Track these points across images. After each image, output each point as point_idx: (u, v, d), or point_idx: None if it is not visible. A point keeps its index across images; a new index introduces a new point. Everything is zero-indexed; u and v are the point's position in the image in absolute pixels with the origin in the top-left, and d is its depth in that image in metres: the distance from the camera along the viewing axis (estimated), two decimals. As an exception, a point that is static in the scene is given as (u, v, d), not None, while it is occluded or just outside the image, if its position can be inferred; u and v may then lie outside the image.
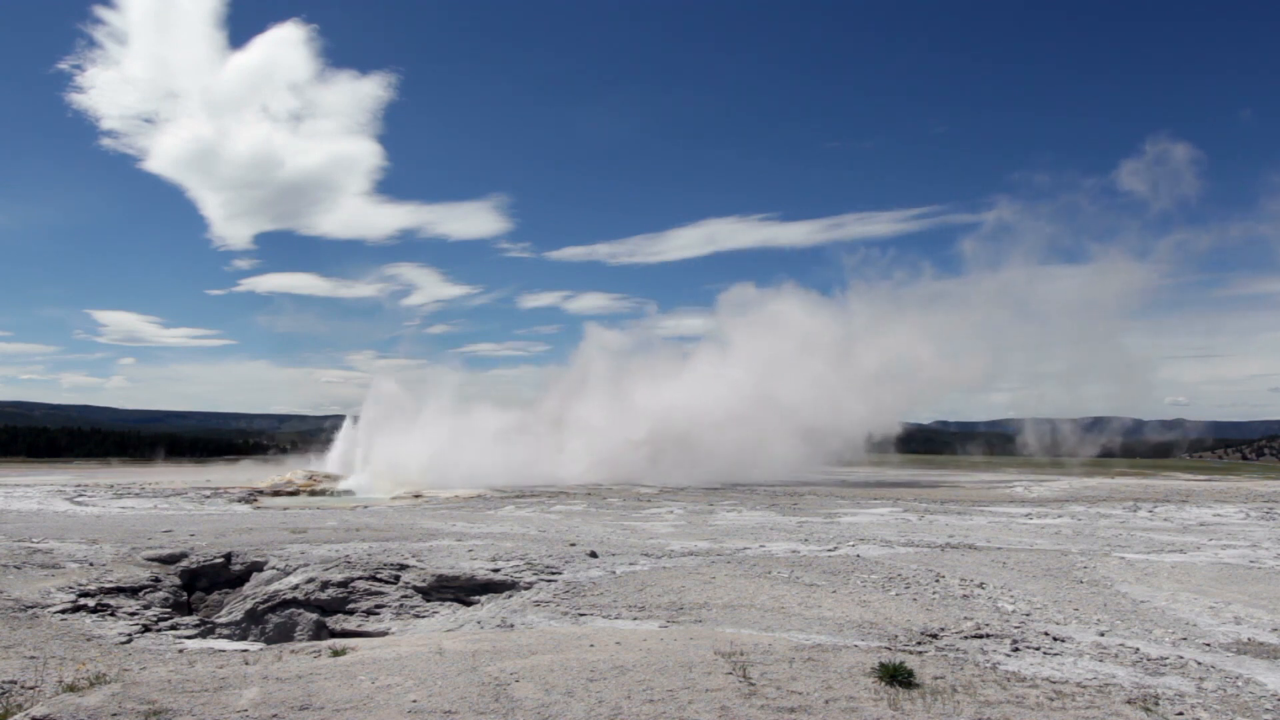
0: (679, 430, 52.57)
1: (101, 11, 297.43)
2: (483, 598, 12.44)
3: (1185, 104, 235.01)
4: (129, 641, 9.68)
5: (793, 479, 49.27)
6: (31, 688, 6.49)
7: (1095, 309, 77.55)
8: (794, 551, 16.79)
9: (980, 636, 9.39)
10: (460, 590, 12.79)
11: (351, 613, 12.24)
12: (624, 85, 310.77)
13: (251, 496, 34.96)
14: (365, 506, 30.18)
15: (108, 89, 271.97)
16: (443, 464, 44.12)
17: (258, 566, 14.56)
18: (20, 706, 5.70)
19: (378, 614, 12.12)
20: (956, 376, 67.98)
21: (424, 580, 13.02)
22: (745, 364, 59.40)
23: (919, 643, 9.01)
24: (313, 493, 39.73)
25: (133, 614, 11.26)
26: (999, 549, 17.55)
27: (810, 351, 60.58)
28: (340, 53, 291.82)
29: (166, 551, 15.15)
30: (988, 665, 7.62)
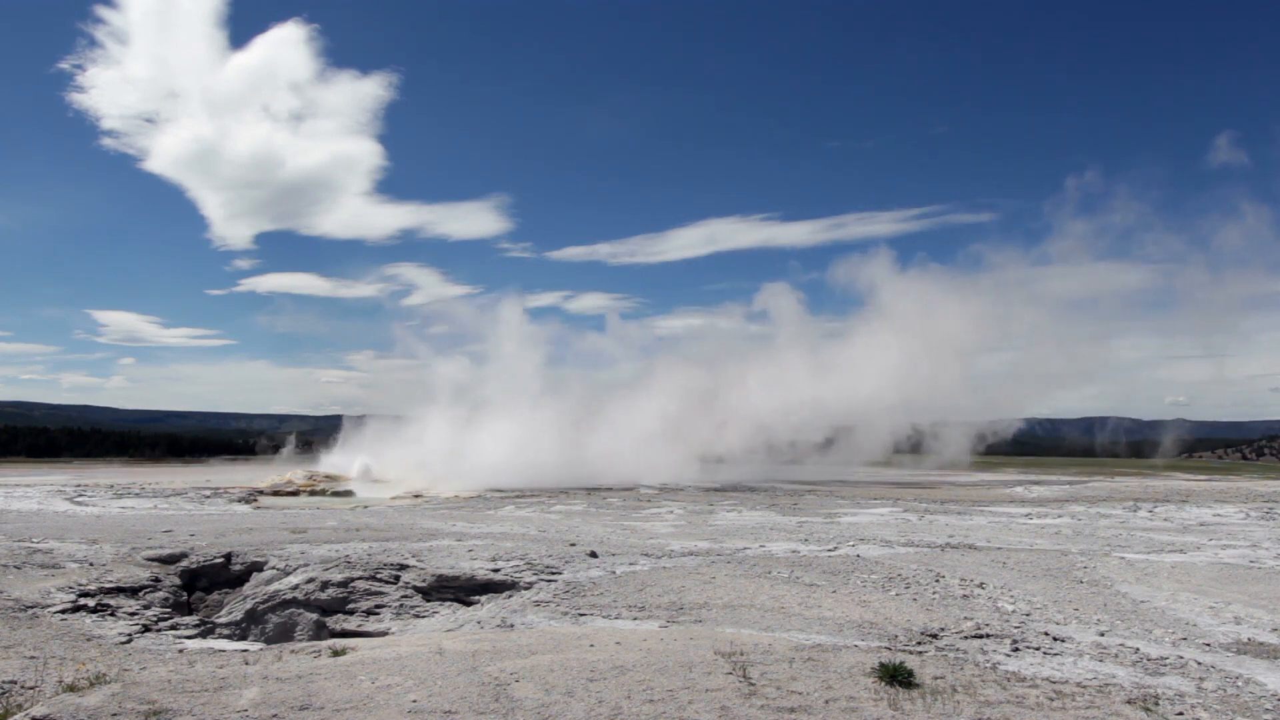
0: (841, 422, 50.71)
1: (102, 11, 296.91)
2: (483, 598, 12.44)
3: (1185, 103, 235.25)
4: (129, 641, 9.68)
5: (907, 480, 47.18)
6: (31, 688, 6.49)
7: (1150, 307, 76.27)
8: (794, 551, 16.79)
9: (980, 636, 9.39)
10: (460, 590, 12.79)
11: (351, 613, 12.23)
12: (624, 85, 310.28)
13: (251, 496, 35.02)
14: (365, 506, 30.24)
15: (108, 89, 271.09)
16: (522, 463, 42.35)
17: (258, 566, 14.56)
18: (20, 706, 5.70)
19: (378, 614, 12.12)
20: (1068, 371, 66.35)
21: (424, 580, 13.02)
22: (896, 356, 56.78)
23: (919, 643, 9.01)
24: (313, 493, 39.79)
25: (133, 614, 11.26)
26: (999, 549, 17.55)
27: (948, 344, 58.41)
28: (341, 53, 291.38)
29: (166, 551, 15.15)
30: (988, 665, 7.62)
